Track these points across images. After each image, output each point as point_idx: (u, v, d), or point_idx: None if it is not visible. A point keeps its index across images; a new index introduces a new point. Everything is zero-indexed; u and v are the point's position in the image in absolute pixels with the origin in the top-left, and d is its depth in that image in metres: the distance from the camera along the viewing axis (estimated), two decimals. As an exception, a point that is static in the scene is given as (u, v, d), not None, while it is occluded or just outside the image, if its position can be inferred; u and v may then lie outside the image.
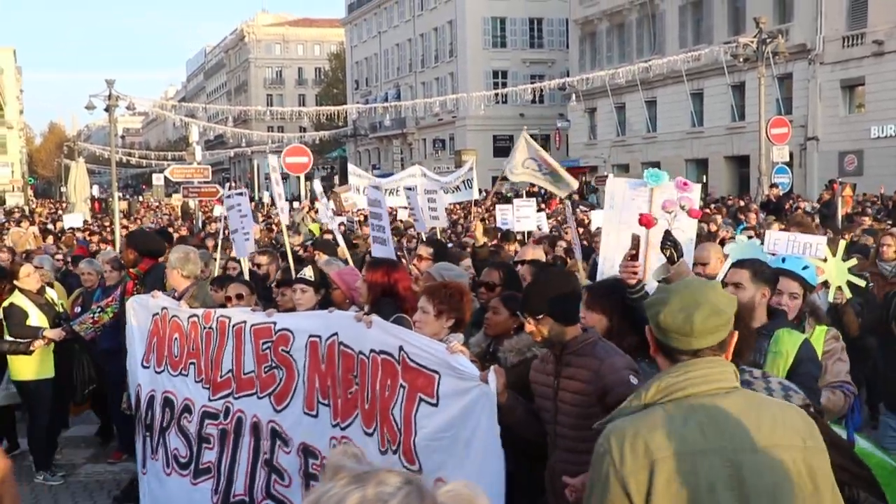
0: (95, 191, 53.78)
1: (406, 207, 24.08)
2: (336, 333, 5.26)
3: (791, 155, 33.80)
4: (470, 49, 62.82)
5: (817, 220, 17.83)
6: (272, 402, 5.79)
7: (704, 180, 45.62)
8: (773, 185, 28.48)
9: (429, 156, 65.98)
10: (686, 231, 5.44)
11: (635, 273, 4.65)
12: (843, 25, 38.34)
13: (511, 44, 63.78)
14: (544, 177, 14.47)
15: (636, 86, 45.39)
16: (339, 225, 21.03)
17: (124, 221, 31.13)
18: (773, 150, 30.54)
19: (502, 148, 62.04)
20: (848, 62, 38.20)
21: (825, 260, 5.88)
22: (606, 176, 41.64)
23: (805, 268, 4.80)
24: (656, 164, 48.20)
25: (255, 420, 5.91)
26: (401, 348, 4.59)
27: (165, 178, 39.66)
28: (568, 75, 51.52)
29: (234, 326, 6.16)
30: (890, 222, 17.08)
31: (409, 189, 15.02)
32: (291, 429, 5.62)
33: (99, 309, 8.62)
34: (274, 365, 5.80)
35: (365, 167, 55.26)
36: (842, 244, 5.54)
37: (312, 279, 6.52)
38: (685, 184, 5.19)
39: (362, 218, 20.62)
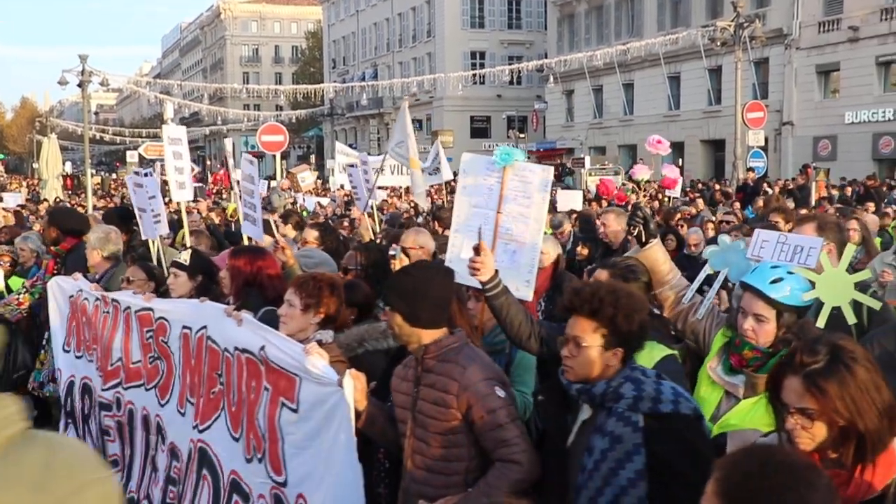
0: (68, 167, 53.19)
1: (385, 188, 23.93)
2: (205, 326, 4.75)
3: (766, 139, 34.05)
4: (448, 29, 62.59)
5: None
6: (157, 395, 5.28)
7: (681, 163, 45.80)
8: (749, 169, 28.67)
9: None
10: (535, 220, 4.74)
11: (478, 269, 3.97)
12: (820, 11, 38.56)
13: (489, 24, 63.61)
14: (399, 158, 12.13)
15: (614, 68, 45.47)
16: (316, 204, 20.96)
17: (97, 198, 30.86)
18: (749, 134, 30.72)
19: (479, 129, 62.04)
20: (823, 48, 38.44)
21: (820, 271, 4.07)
22: (583, 158, 41.89)
23: (775, 281, 3.47)
24: (633, 147, 48.41)
25: (145, 413, 5.42)
26: (262, 348, 4.14)
27: (140, 155, 39.35)
28: (546, 57, 51.46)
29: (123, 312, 5.69)
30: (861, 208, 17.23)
31: (352, 167, 14.02)
32: (169, 425, 5.15)
33: (24, 289, 8.17)
34: (157, 356, 5.32)
35: (352, 144, 54.99)
36: (849, 249, 3.78)
37: (187, 263, 5.95)
38: (659, 141, 4.72)
39: (346, 199, 20.58)
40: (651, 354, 3.82)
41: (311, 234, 7.70)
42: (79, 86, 30.79)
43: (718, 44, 33.35)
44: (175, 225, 11.31)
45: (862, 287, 4.00)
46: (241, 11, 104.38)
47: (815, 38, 38.73)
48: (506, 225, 4.67)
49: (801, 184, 24.98)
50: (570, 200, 17.43)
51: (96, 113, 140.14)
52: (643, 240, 4.14)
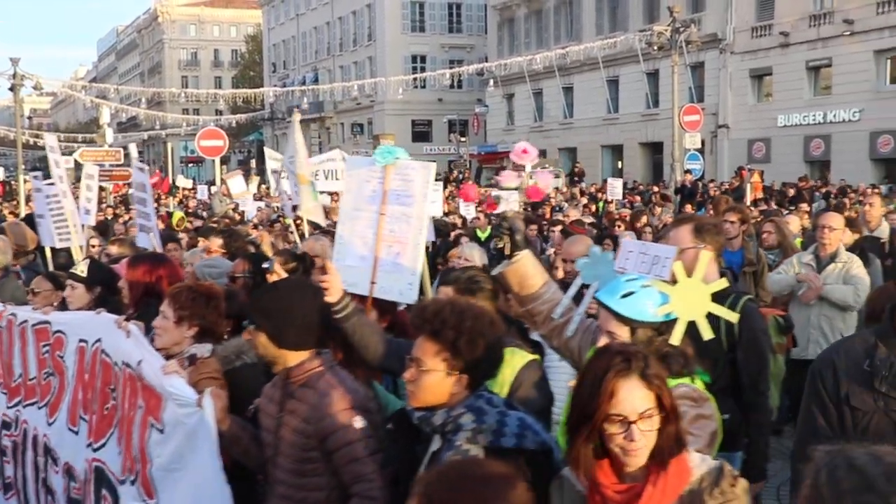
0: (0, 173, 51.95)
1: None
2: (100, 339, 4.49)
3: (703, 142, 34.64)
4: (388, 33, 62.56)
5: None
6: (47, 414, 4.98)
7: (620, 166, 46.45)
8: (686, 171, 29.18)
9: (347, 140, 65.54)
10: (417, 219, 4.50)
11: (326, 288, 3.67)
12: (752, 16, 39.40)
13: (430, 28, 63.72)
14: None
15: (553, 72, 45.89)
16: (257, 210, 20.78)
17: (31, 205, 30.19)
18: (686, 136, 31.23)
19: (421, 132, 62.12)
20: (756, 52, 39.29)
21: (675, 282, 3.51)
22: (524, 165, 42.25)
23: (627, 295, 3.16)
24: (573, 150, 48.90)
25: (35, 433, 5.09)
26: (139, 362, 3.93)
27: (75, 161, 38.55)
28: (486, 61, 51.73)
29: (19, 326, 5.36)
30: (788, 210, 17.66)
31: (274, 172, 13.79)
32: (59, 445, 4.83)
33: None
34: (50, 371, 5.00)
35: (282, 151, 54.59)
36: (703, 257, 3.44)
37: (84, 274, 5.63)
38: (525, 151, 4.26)
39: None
40: (513, 362, 3.66)
41: (216, 242, 7.21)
42: (10, 89, 30.16)
43: (655, 48, 33.89)
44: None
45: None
46: (180, 14, 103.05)
47: (749, 42, 39.55)
48: (389, 226, 4.51)
49: (736, 185, 25.54)
50: (509, 202, 17.45)
51: (29, 117, 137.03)
52: (509, 252, 3.79)
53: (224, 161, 31.19)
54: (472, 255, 6.20)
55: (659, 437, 2.38)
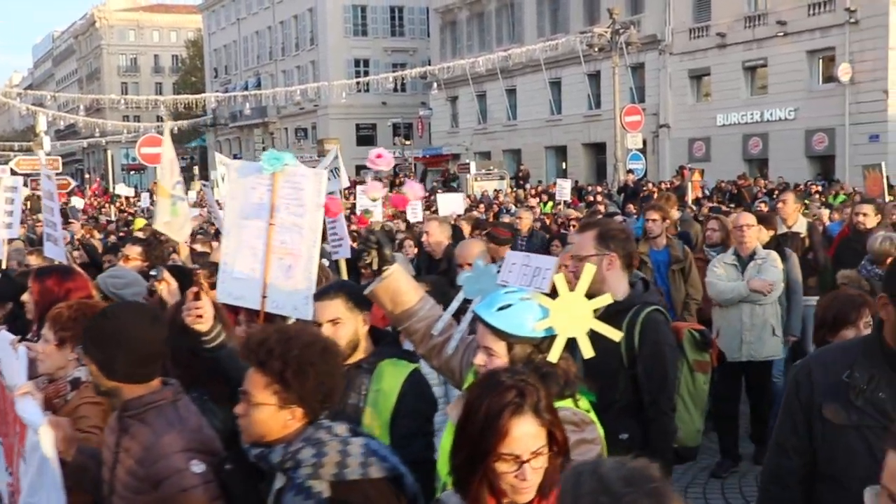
0: (-66, 184, 50.57)
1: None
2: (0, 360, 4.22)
3: (644, 142, 35.17)
4: (331, 37, 62.30)
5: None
6: None
7: (564, 167, 46.87)
8: (628, 171, 29.60)
9: (291, 145, 65.11)
10: (310, 230, 4.25)
11: (199, 315, 3.42)
12: (690, 18, 40.06)
13: (372, 32, 63.61)
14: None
15: (496, 74, 46.15)
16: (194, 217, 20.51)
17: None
18: (628, 137, 31.70)
19: (365, 136, 61.96)
20: (695, 53, 39.95)
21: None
22: (468, 164, 42.29)
23: (503, 308, 2.96)
24: (517, 152, 49.22)
25: None
26: (17, 385, 3.59)
27: (11, 170, 37.72)
28: (429, 64, 51.84)
29: None
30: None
31: (205, 184, 13.22)
32: None
33: None
34: None
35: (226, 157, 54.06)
36: (588, 271, 3.07)
37: None
38: (379, 156, 4.12)
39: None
40: (395, 373, 3.53)
41: (134, 251, 6.68)
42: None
43: (596, 49, 34.42)
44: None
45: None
46: (118, 20, 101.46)
47: (687, 43, 40.20)
48: (280, 237, 4.24)
49: (678, 184, 25.95)
50: (452, 204, 17.13)
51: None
52: (377, 267, 3.53)
53: (166, 168, 30.70)
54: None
55: (547, 470, 2.34)
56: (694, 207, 17.95)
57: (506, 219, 15.14)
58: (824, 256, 8.63)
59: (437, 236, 7.78)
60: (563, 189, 21.67)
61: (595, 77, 43.61)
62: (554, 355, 2.90)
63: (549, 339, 2.92)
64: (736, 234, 7.64)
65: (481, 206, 24.82)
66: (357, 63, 62.11)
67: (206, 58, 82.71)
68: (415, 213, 15.18)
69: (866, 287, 5.85)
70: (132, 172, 78.56)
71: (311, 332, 2.93)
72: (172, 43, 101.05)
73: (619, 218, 11.47)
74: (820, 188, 26.34)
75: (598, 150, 45.03)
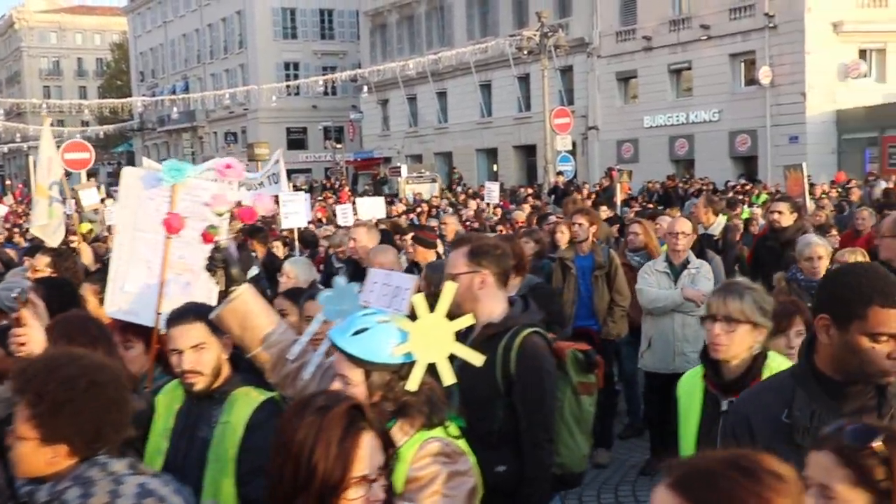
0: None
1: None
2: None
3: (574, 144, 35.57)
4: (260, 40, 61.71)
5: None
6: None
7: (495, 169, 47.20)
8: (558, 173, 29.94)
9: (221, 149, 64.27)
10: (198, 248, 3.77)
11: (22, 344, 3.11)
12: (617, 21, 40.70)
13: (301, 35, 63.18)
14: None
15: (426, 77, 46.28)
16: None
17: None
18: (557, 139, 32.03)
19: (296, 140, 61.54)
20: (622, 56, 40.59)
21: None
22: (399, 167, 42.26)
23: (360, 332, 2.73)
24: (448, 155, 49.42)
25: None
26: None
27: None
28: (360, 67, 51.74)
29: None
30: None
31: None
32: None
33: None
34: None
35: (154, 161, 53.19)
36: (448, 288, 2.88)
37: None
38: (228, 166, 3.87)
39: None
40: (247, 402, 3.28)
41: (42, 261, 6.32)
42: None
43: (525, 52, 34.73)
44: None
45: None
46: (38, 21, 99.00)
47: (614, 46, 40.83)
48: (178, 252, 3.99)
49: (606, 186, 26.36)
50: (372, 208, 16.37)
51: None
52: (224, 287, 3.24)
53: (92, 174, 30.20)
54: (293, 271, 5.89)
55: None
56: (624, 209, 18.26)
57: (433, 223, 15.01)
58: (735, 255, 8.74)
59: (365, 242, 7.45)
60: (492, 192, 21.59)
61: (525, 80, 44.01)
62: (413, 383, 2.68)
63: (409, 364, 2.70)
64: (670, 240, 7.32)
65: (417, 209, 24.78)
66: (287, 66, 61.63)
67: (132, 61, 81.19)
68: (345, 217, 15.04)
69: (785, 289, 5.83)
70: (56, 178, 76.63)
71: (81, 364, 2.50)
72: (97, 46, 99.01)
73: (553, 219, 11.32)
74: (747, 188, 26.85)
75: (528, 152, 45.41)
